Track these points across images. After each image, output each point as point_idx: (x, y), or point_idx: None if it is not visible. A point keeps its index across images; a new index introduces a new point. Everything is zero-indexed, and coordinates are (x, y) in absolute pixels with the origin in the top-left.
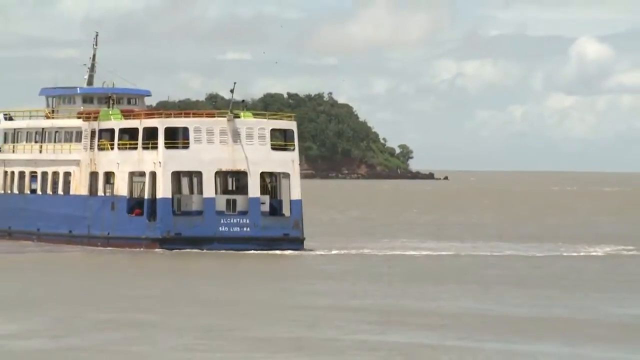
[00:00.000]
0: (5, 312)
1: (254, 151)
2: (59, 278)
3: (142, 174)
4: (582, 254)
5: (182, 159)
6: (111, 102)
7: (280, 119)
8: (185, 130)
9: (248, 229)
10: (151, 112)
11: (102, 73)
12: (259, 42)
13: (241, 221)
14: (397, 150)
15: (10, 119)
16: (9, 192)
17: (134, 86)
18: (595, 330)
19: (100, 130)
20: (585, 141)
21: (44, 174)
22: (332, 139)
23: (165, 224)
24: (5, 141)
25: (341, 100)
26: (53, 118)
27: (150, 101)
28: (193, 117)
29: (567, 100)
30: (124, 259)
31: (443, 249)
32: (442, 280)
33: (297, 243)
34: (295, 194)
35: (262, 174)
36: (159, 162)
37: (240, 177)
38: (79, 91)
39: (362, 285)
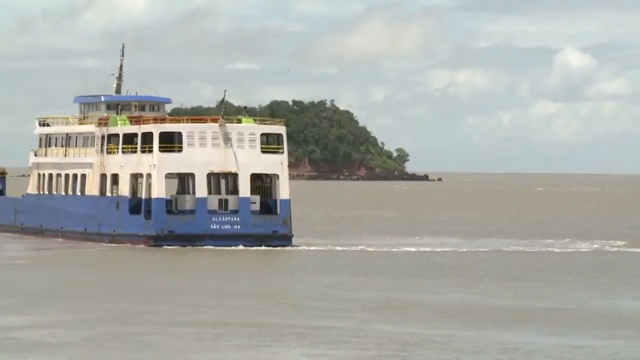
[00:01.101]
0: (24, 305)
1: (244, 154)
2: (70, 273)
3: (142, 176)
4: (567, 250)
5: (175, 162)
6: (133, 109)
7: (272, 124)
8: (180, 134)
9: (238, 227)
10: (159, 119)
11: (129, 82)
12: (265, 53)
13: (232, 219)
14: (394, 154)
15: (46, 125)
16: (41, 192)
17: (156, 94)
18: (577, 321)
19: (109, 135)
20: (569, 145)
21: (67, 176)
22: (334, 143)
23: (159, 222)
24: (40, 146)
25: (342, 107)
26: (83, 124)
27: (167, 107)
28: (186, 122)
29: (551, 107)
30: (128, 255)
31: (433, 244)
32: (432, 274)
33: (285, 239)
34: (284, 194)
35: (259, 176)
36: (154, 165)
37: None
38: (102, 99)
39: (356, 279)
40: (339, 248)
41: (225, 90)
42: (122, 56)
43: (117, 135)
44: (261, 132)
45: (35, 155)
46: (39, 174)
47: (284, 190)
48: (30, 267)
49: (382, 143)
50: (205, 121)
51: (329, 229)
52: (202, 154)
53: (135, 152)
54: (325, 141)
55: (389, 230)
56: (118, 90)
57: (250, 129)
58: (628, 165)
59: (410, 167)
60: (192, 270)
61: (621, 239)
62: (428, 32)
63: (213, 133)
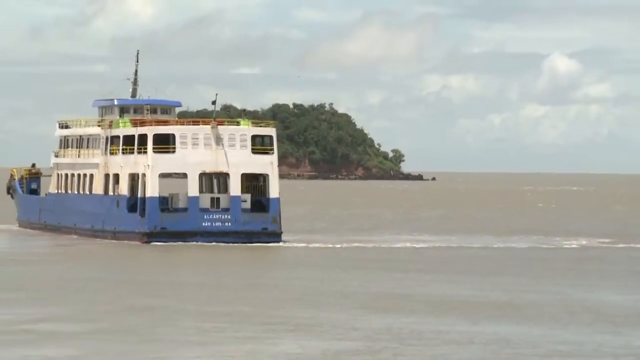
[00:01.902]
0: (32, 299)
1: (235, 154)
2: (77, 268)
3: (139, 176)
4: (556, 246)
5: (168, 162)
6: (145, 112)
7: (265, 127)
8: (173, 136)
9: (229, 224)
10: (156, 121)
11: (145, 86)
12: (267, 59)
13: (223, 217)
14: (391, 154)
15: (65, 127)
16: (59, 192)
17: (167, 98)
18: (564, 314)
19: (112, 137)
20: (557, 146)
21: (79, 176)
22: (333, 144)
23: (152, 220)
24: (60, 147)
25: (340, 109)
26: (100, 126)
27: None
28: (179, 125)
29: (540, 110)
30: (128, 252)
31: (425, 241)
32: (424, 269)
33: (274, 236)
34: (274, 193)
35: (255, 176)
36: (148, 165)
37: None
38: (116, 102)
39: (350, 274)
40: (333, 245)
41: (216, 94)
42: (137, 62)
43: (119, 137)
44: (252, 134)
45: (56, 156)
46: (58, 174)
47: (273, 189)
48: (40, 262)
49: (379, 144)
50: (198, 123)
51: (324, 227)
52: (195, 154)
53: (133, 152)
54: (325, 142)
55: (383, 227)
56: (134, 95)
57: (242, 131)
58: (612, 165)
59: (405, 167)
60: (191, 266)
61: (606, 236)
62: (422, 38)
63: (205, 135)
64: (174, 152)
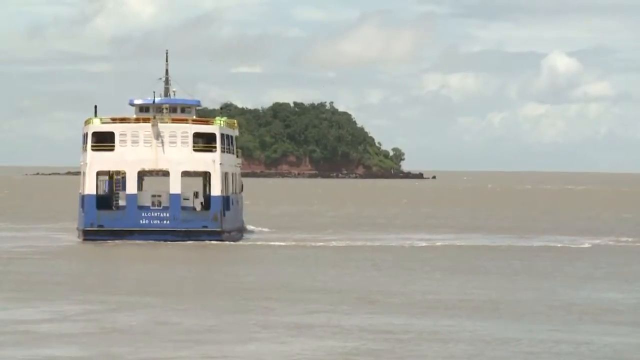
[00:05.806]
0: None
1: (176, 152)
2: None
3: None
4: (543, 244)
5: (107, 160)
6: (165, 111)
7: (206, 124)
8: (113, 134)
9: (168, 222)
10: (144, 119)
11: (144, 85)
12: (266, 58)
13: (162, 215)
14: (391, 153)
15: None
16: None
17: (191, 97)
18: (542, 310)
19: (83, 135)
20: (556, 145)
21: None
22: (333, 143)
23: (89, 218)
24: None
25: (341, 108)
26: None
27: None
28: (120, 123)
29: (539, 109)
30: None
31: (420, 239)
32: (408, 267)
33: (215, 235)
34: (216, 191)
35: (204, 174)
36: (86, 163)
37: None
38: (135, 102)
39: (330, 272)
40: (317, 243)
41: (154, 92)
42: (167, 61)
43: (83, 135)
44: (194, 132)
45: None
46: None
47: (215, 187)
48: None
49: (379, 143)
50: (139, 121)
51: (317, 225)
52: (134, 152)
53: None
54: (325, 141)
55: (376, 225)
56: (166, 94)
57: (183, 129)
58: (611, 163)
59: (405, 166)
60: (168, 263)
61: (593, 233)
62: (421, 37)
63: (145, 133)
64: (112, 150)
